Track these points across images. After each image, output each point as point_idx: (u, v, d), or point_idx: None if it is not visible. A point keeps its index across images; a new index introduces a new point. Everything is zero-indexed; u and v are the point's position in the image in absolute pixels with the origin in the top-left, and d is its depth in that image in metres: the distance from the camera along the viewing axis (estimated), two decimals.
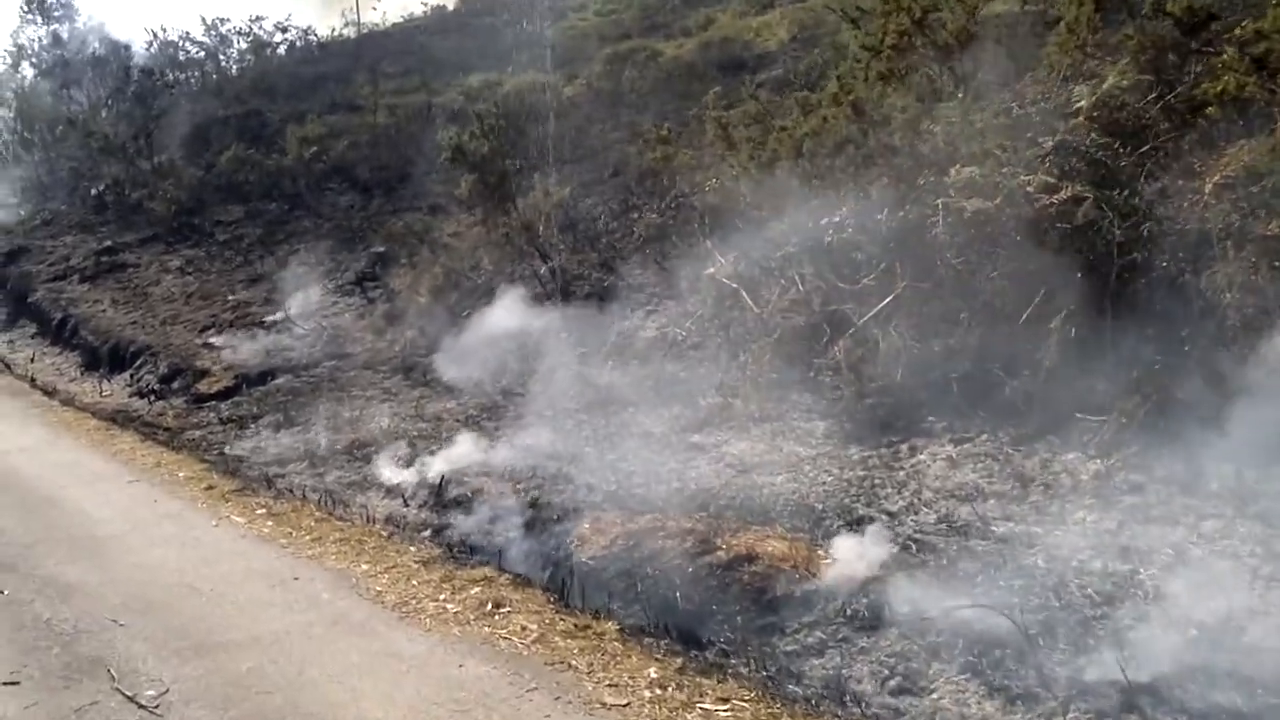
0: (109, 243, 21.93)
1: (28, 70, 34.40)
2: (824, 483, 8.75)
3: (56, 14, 40.43)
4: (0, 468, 10.20)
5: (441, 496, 9.59)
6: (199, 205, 22.77)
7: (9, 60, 34.97)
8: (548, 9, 35.28)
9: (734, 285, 10.31)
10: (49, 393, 14.28)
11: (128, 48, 33.43)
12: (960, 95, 9.53)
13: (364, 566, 7.31)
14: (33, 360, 16.91)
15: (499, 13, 37.16)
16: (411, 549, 7.75)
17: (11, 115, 30.26)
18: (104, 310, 18.24)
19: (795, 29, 24.49)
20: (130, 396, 14.61)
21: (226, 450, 11.52)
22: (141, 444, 11.47)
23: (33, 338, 18.71)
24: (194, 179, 24.14)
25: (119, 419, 12.84)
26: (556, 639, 6.04)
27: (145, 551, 7.64)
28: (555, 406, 11.46)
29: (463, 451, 10.49)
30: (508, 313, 14.05)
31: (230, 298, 17.56)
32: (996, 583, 6.60)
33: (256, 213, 22.01)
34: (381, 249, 17.90)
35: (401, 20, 39.05)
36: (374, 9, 39.77)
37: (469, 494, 9.56)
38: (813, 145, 9.72)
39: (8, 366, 15.93)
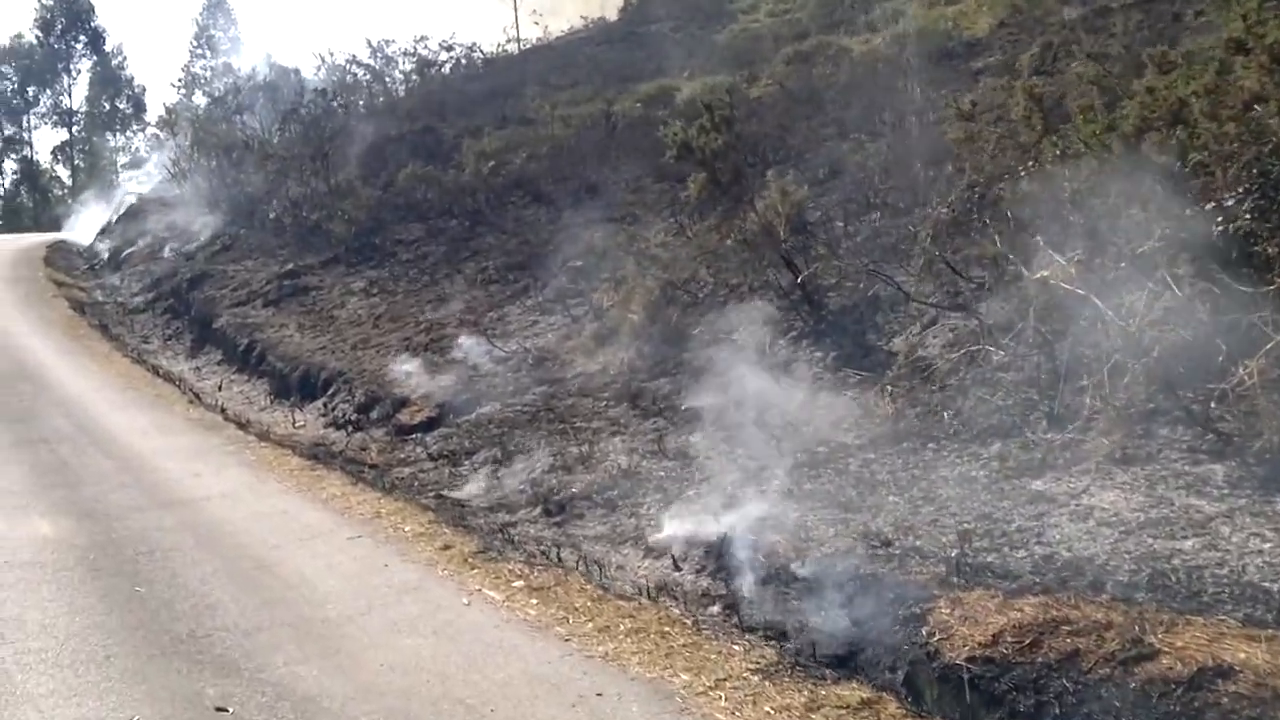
0: (290, 265, 21.12)
1: (200, 99, 34.82)
2: (1260, 551, 6.40)
3: (225, 46, 41.31)
4: (200, 520, 8.76)
5: (725, 561, 7.68)
6: (378, 225, 21.79)
7: (183, 90, 35.55)
8: (716, 13, 33.81)
9: (1080, 291, 8.10)
10: (241, 425, 13.06)
11: (297, 72, 33.47)
12: None
13: (683, 676, 5.40)
14: (220, 389, 15.91)
15: (664, 20, 35.90)
16: (736, 648, 5.79)
17: (188, 143, 30.37)
18: (290, 335, 17.20)
19: (1003, 13, 22.29)
20: (326, 428, 13.29)
21: (446, 493, 9.93)
22: (352, 486, 9.96)
23: (219, 364, 17.83)
24: (371, 198, 23.25)
25: (320, 455, 11.43)
26: None
27: (391, 643, 5.94)
28: (829, 442, 9.42)
29: (731, 499, 8.56)
30: (746, 329, 12.14)
31: (421, 319, 16.21)
32: None
33: (438, 230, 20.82)
34: (579, 263, 16.28)
35: (564, 33, 38.14)
36: (535, 24, 38.97)
37: (759, 557, 7.60)
38: (1208, 106, 7.42)
39: (197, 397, 14.92)
